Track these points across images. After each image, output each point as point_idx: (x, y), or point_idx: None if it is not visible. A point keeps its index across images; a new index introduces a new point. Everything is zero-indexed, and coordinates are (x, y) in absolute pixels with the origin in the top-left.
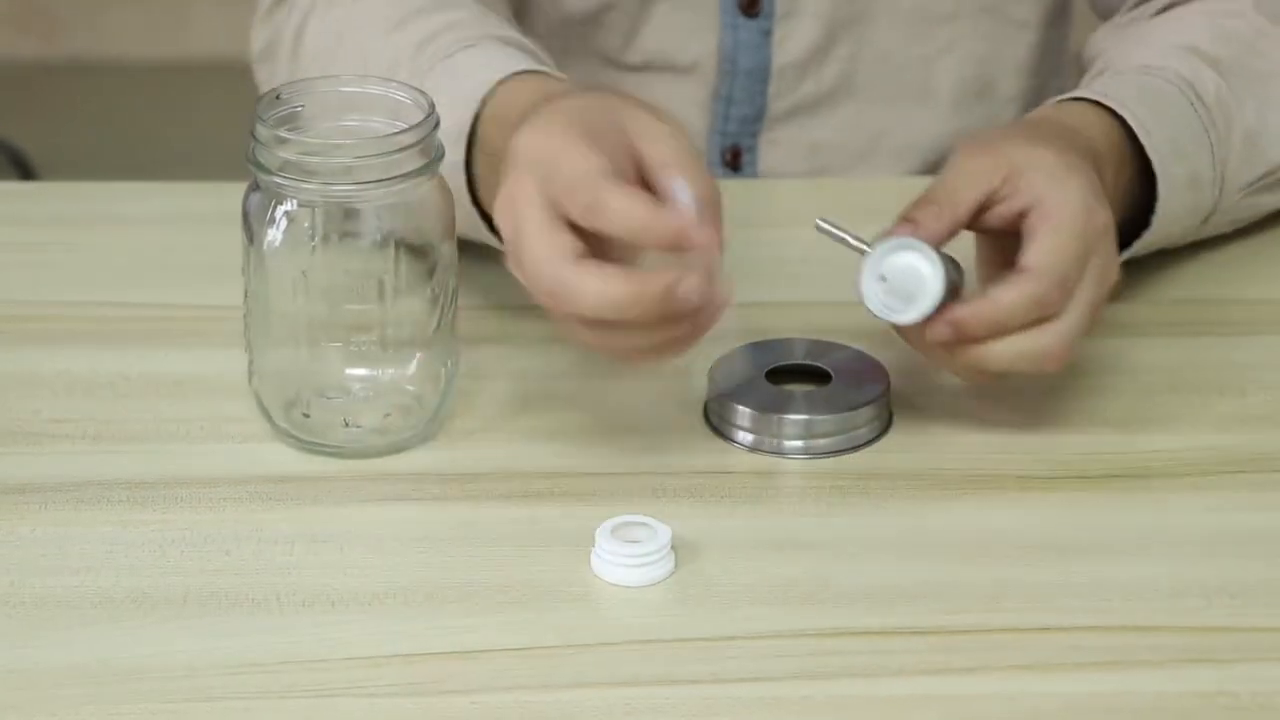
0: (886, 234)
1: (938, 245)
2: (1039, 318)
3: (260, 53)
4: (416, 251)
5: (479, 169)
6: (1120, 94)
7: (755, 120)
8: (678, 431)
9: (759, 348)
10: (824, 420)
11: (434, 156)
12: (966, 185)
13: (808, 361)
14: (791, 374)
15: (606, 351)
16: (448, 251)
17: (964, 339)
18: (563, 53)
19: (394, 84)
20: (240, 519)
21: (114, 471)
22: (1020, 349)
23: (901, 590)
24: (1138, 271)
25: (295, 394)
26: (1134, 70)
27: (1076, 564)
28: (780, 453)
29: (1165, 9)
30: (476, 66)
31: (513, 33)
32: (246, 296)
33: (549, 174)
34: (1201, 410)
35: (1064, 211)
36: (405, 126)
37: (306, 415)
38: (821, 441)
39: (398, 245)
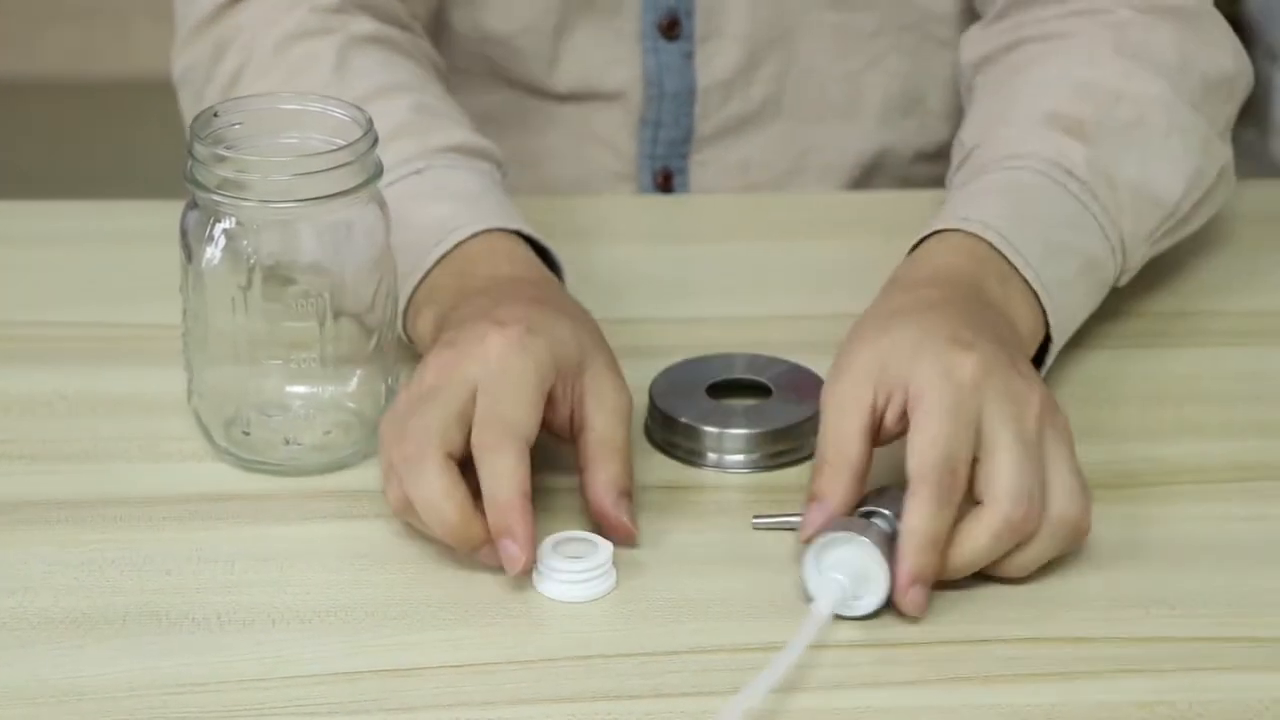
0: (811, 525)
1: (854, 505)
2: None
3: (179, 79)
4: (356, 268)
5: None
6: (984, 211)
7: (684, 142)
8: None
9: (698, 363)
10: (766, 434)
11: (372, 174)
12: (846, 426)
13: (748, 376)
14: (731, 389)
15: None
16: (387, 268)
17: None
18: (488, 78)
19: (332, 101)
20: (180, 538)
21: (52, 491)
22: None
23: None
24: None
25: (235, 412)
26: (999, 165)
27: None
28: (722, 467)
29: (1022, 44)
30: (431, 208)
31: (461, 133)
32: (185, 315)
33: (490, 391)
34: (1135, 422)
35: (928, 394)
36: (343, 144)
37: (246, 433)
38: (763, 456)
39: (337, 262)
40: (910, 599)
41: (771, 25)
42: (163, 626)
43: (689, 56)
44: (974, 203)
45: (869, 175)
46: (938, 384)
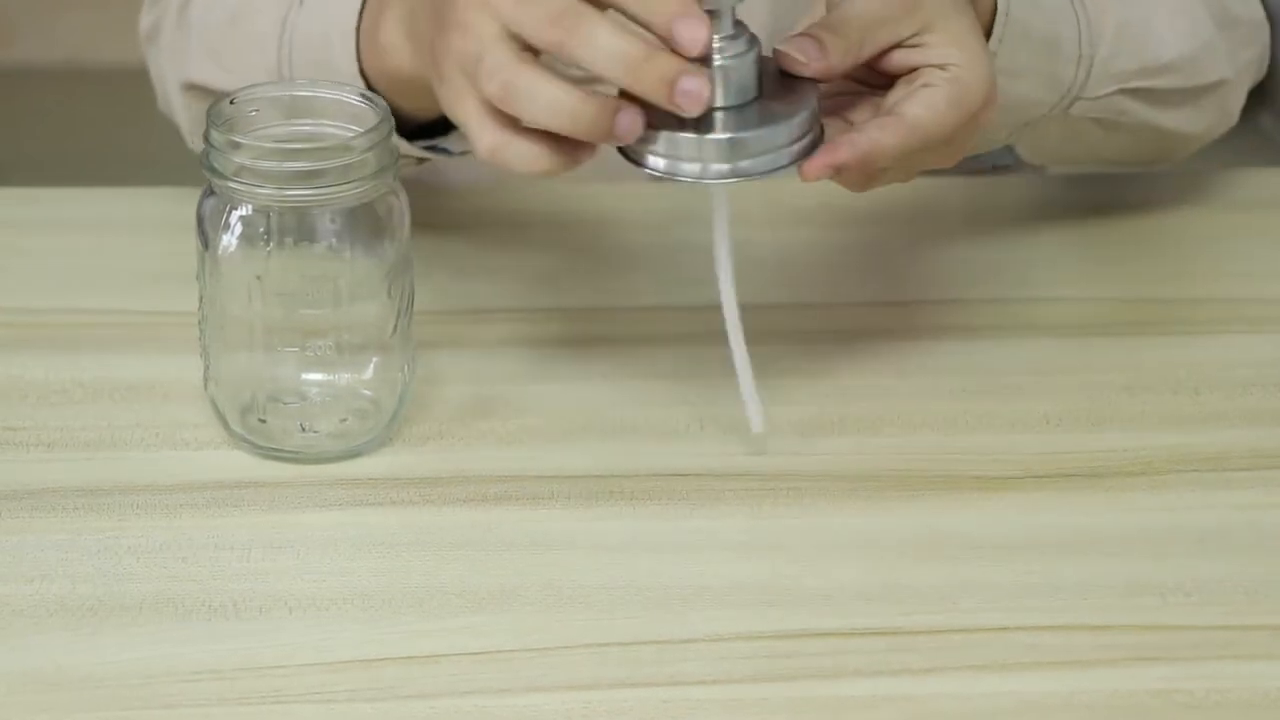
0: (790, 39)
1: (834, 79)
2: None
3: (146, 35)
4: (372, 255)
5: (364, 38)
6: None
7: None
8: (634, 434)
9: None
10: (749, 137)
11: (388, 161)
12: (881, 27)
13: None
14: None
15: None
16: (404, 255)
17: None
18: None
19: (348, 89)
20: (196, 525)
21: (68, 478)
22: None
23: (858, 591)
24: (1085, 270)
25: (251, 399)
26: None
27: (1032, 564)
28: (705, 177)
29: None
30: None
31: None
32: (201, 302)
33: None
34: (1156, 409)
35: (974, 89)
36: (360, 131)
37: (263, 420)
38: (748, 163)
39: (353, 249)
40: (813, 170)
41: (794, 23)
42: (179, 614)
43: None
44: None
45: None
46: (983, 94)
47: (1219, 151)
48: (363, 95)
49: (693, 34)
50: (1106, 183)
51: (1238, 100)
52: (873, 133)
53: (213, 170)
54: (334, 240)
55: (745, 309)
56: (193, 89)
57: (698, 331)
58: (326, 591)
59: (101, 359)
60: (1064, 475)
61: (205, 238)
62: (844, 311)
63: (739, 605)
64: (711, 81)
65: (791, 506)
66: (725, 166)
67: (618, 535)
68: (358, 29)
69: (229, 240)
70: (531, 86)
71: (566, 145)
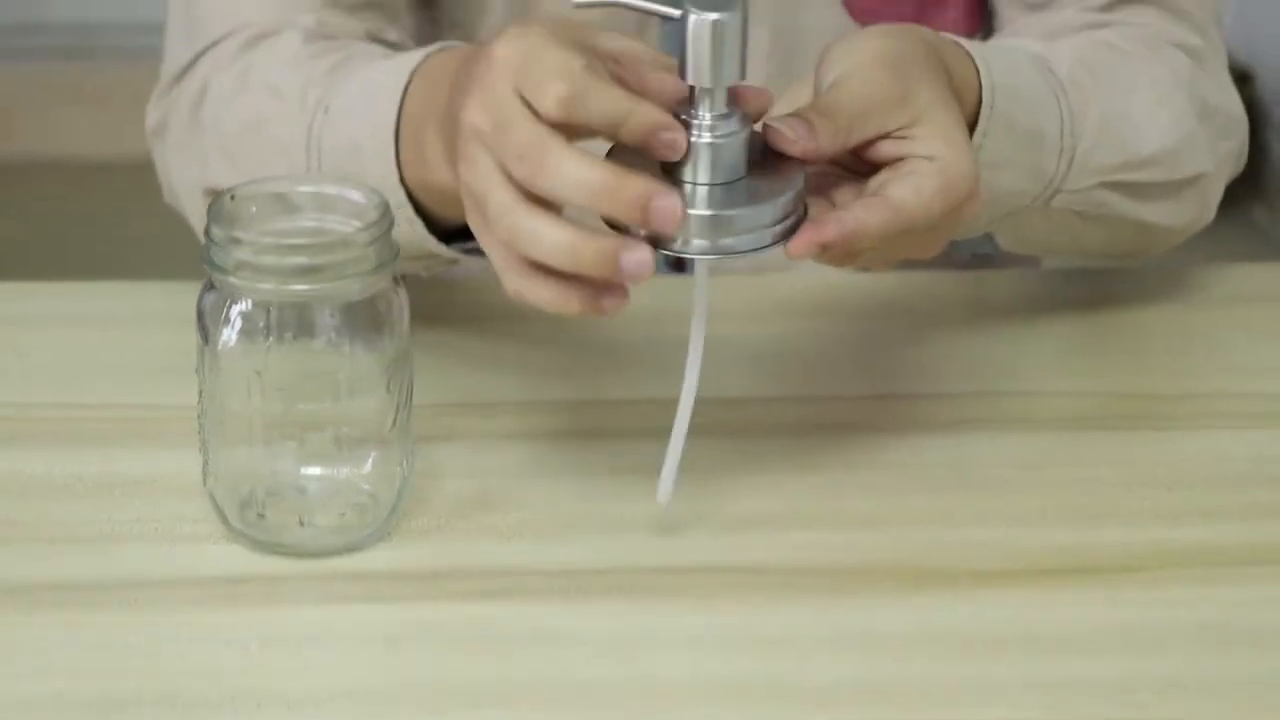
0: (781, 117)
1: (821, 161)
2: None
3: (153, 130)
4: (372, 349)
5: (405, 148)
6: (972, 46)
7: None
8: (632, 528)
9: None
10: (735, 215)
11: (388, 256)
12: (871, 116)
13: None
14: None
15: (556, 276)
16: (403, 349)
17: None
18: None
19: (349, 184)
20: (196, 620)
21: (68, 573)
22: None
23: (855, 687)
24: (1076, 364)
25: (250, 493)
26: (983, 45)
27: (1031, 658)
28: (685, 253)
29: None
30: (401, 59)
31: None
32: (201, 396)
33: (527, 68)
34: (1148, 504)
35: (959, 183)
36: (360, 226)
37: (262, 515)
38: (731, 240)
39: (352, 343)
40: (799, 248)
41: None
42: (178, 710)
43: None
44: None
45: None
46: (967, 185)
47: (1210, 244)
48: (363, 190)
49: (672, 146)
50: (1096, 277)
51: (1216, 194)
52: (858, 212)
53: (213, 265)
54: (334, 335)
55: (737, 402)
56: (212, 193)
57: (697, 424)
58: (325, 687)
59: (102, 453)
60: (1058, 570)
61: (205, 332)
62: (836, 405)
63: (738, 700)
64: (684, 196)
65: (788, 601)
66: (706, 243)
67: (616, 630)
68: (396, 137)
69: (229, 335)
70: (535, 230)
71: (589, 283)
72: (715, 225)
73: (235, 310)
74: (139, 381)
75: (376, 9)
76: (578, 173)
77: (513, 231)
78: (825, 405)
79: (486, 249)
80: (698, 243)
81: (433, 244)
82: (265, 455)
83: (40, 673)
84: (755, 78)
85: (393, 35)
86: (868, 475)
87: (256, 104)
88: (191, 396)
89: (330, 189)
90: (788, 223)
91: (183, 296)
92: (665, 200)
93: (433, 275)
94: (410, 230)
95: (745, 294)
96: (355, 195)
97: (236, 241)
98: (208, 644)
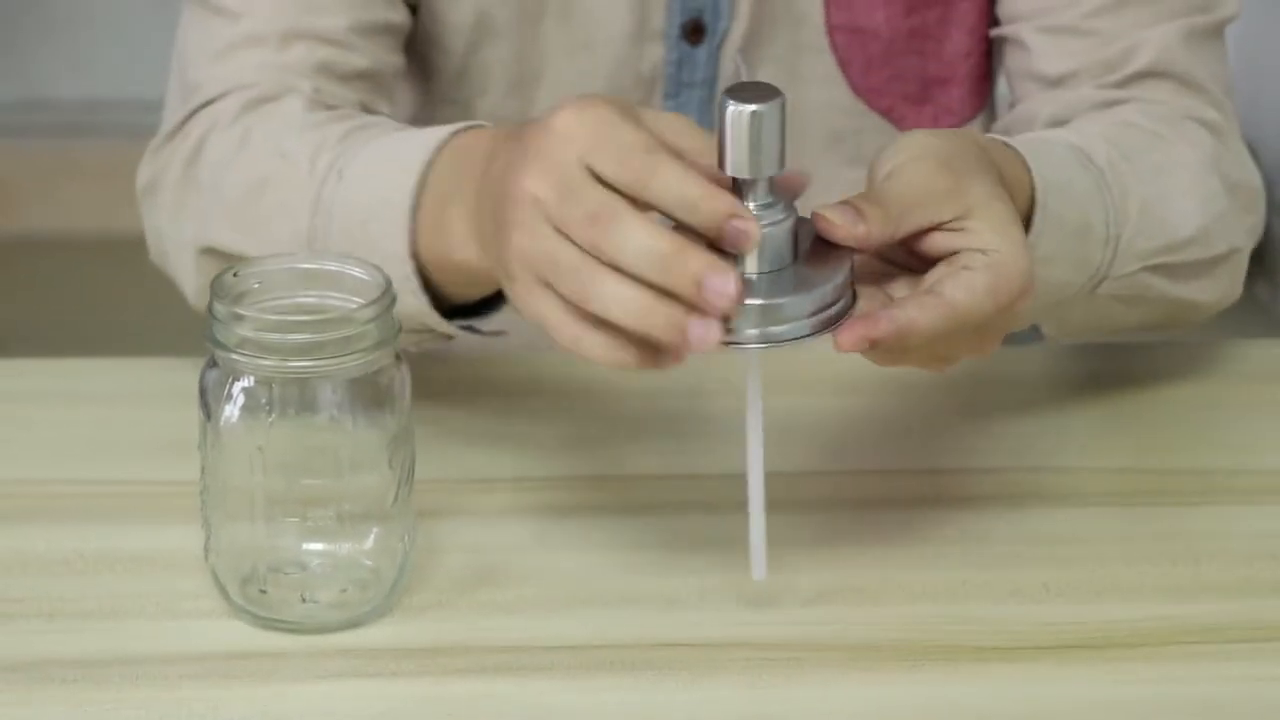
0: (831, 205)
1: (870, 249)
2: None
3: (144, 188)
4: (374, 425)
5: (423, 222)
6: (1016, 142)
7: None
8: (634, 603)
9: None
10: (783, 303)
11: (391, 333)
12: (922, 207)
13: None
14: None
15: (606, 330)
16: (404, 425)
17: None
18: None
19: (351, 261)
20: (197, 697)
21: (68, 650)
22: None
23: None
24: (1084, 440)
25: (252, 569)
26: (1027, 140)
27: None
28: (738, 342)
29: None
30: (425, 132)
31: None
32: (203, 472)
33: (595, 139)
34: (1154, 580)
35: (1013, 278)
36: (362, 303)
37: (263, 591)
38: (779, 329)
39: (355, 419)
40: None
41: None
42: None
43: None
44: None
45: None
46: (1022, 283)
47: (1215, 320)
48: (365, 267)
49: (745, 235)
50: (1106, 354)
51: (1244, 267)
52: (910, 310)
53: (216, 342)
54: (335, 411)
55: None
56: (210, 252)
57: (697, 500)
58: None
59: (103, 529)
60: (1063, 646)
61: (207, 409)
62: (845, 480)
63: None
64: (739, 278)
65: (792, 677)
66: (755, 331)
67: (618, 706)
68: (413, 210)
69: (231, 411)
70: (609, 287)
71: (647, 342)
72: (762, 314)
73: (237, 386)
74: (141, 457)
75: (369, 80)
76: (645, 240)
77: (586, 287)
78: (833, 480)
79: (536, 309)
80: (748, 332)
81: (434, 319)
82: (267, 531)
83: None
84: None
85: (384, 108)
86: (875, 549)
87: (260, 165)
88: (193, 472)
89: (333, 265)
90: (833, 310)
91: (184, 372)
92: (719, 279)
93: (422, 351)
94: (414, 303)
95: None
96: (358, 272)
97: (239, 318)
98: None
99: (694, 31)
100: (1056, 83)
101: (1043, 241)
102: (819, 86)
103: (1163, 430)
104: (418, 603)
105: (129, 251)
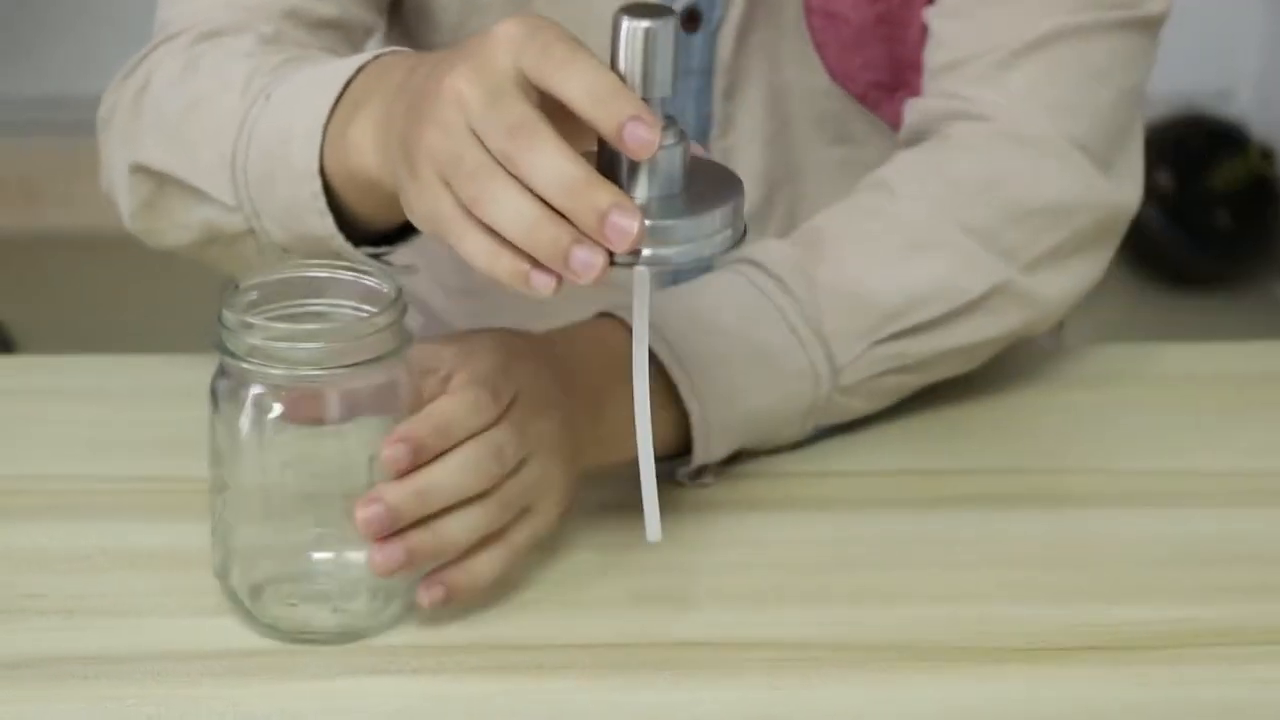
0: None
1: None
2: None
3: (101, 120)
4: (385, 431)
5: (330, 136)
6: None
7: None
8: (652, 603)
9: None
10: (672, 225)
11: (401, 340)
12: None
13: None
14: None
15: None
16: None
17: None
18: None
19: (362, 269)
20: (216, 694)
21: (88, 647)
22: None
23: None
24: (1103, 442)
25: (263, 575)
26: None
27: None
28: (621, 263)
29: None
30: (353, 58)
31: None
32: (216, 480)
33: (533, 37)
34: (1171, 583)
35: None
36: (373, 310)
37: (293, 604)
38: (669, 250)
39: (366, 426)
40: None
41: (784, 164)
42: None
43: None
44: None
45: None
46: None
47: (1233, 320)
48: (376, 275)
49: (645, 144)
50: (1124, 355)
51: (1049, 285)
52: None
53: (226, 350)
54: (346, 418)
55: (772, 477)
56: (140, 170)
57: (713, 500)
58: None
59: (123, 526)
60: (1080, 648)
61: (219, 416)
62: (860, 481)
63: None
64: (641, 217)
65: (808, 677)
66: (647, 253)
67: (636, 705)
68: (325, 127)
69: (242, 419)
70: (506, 195)
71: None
72: (651, 235)
73: (249, 394)
74: (161, 454)
75: (337, 30)
76: (560, 162)
77: (483, 192)
78: (849, 480)
79: (433, 206)
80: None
81: (339, 242)
82: (277, 536)
83: None
84: (752, 138)
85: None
86: (891, 550)
87: (199, 87)
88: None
89: (342, 274)
90: (725, 235)
91: (206, 369)
92: (624, 219)
93: None
94: (319, 224)
95: None
96: (368, 280)
97: (248, 327)
98: (227, 717)
99: (690, 19)
100: (933, 75)
101: (701, 405)
102: (801, 70)
103: (1182, 432)
104: None
105: (147, 248)
